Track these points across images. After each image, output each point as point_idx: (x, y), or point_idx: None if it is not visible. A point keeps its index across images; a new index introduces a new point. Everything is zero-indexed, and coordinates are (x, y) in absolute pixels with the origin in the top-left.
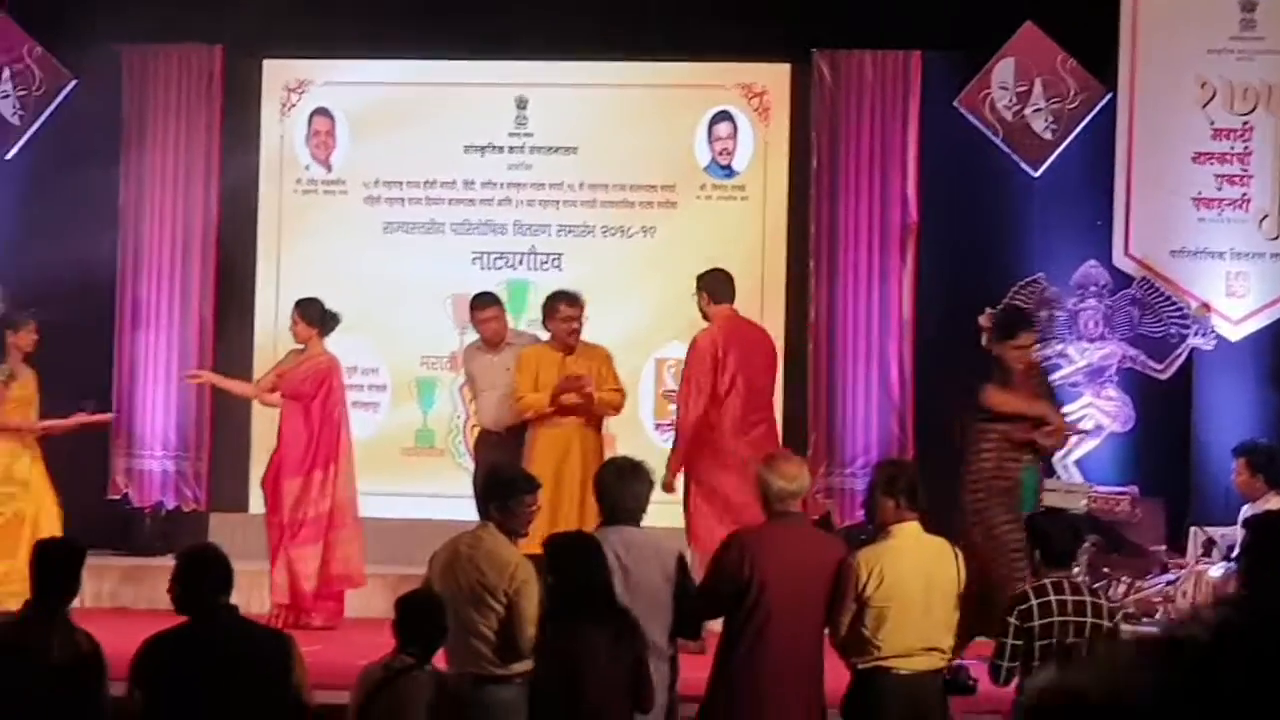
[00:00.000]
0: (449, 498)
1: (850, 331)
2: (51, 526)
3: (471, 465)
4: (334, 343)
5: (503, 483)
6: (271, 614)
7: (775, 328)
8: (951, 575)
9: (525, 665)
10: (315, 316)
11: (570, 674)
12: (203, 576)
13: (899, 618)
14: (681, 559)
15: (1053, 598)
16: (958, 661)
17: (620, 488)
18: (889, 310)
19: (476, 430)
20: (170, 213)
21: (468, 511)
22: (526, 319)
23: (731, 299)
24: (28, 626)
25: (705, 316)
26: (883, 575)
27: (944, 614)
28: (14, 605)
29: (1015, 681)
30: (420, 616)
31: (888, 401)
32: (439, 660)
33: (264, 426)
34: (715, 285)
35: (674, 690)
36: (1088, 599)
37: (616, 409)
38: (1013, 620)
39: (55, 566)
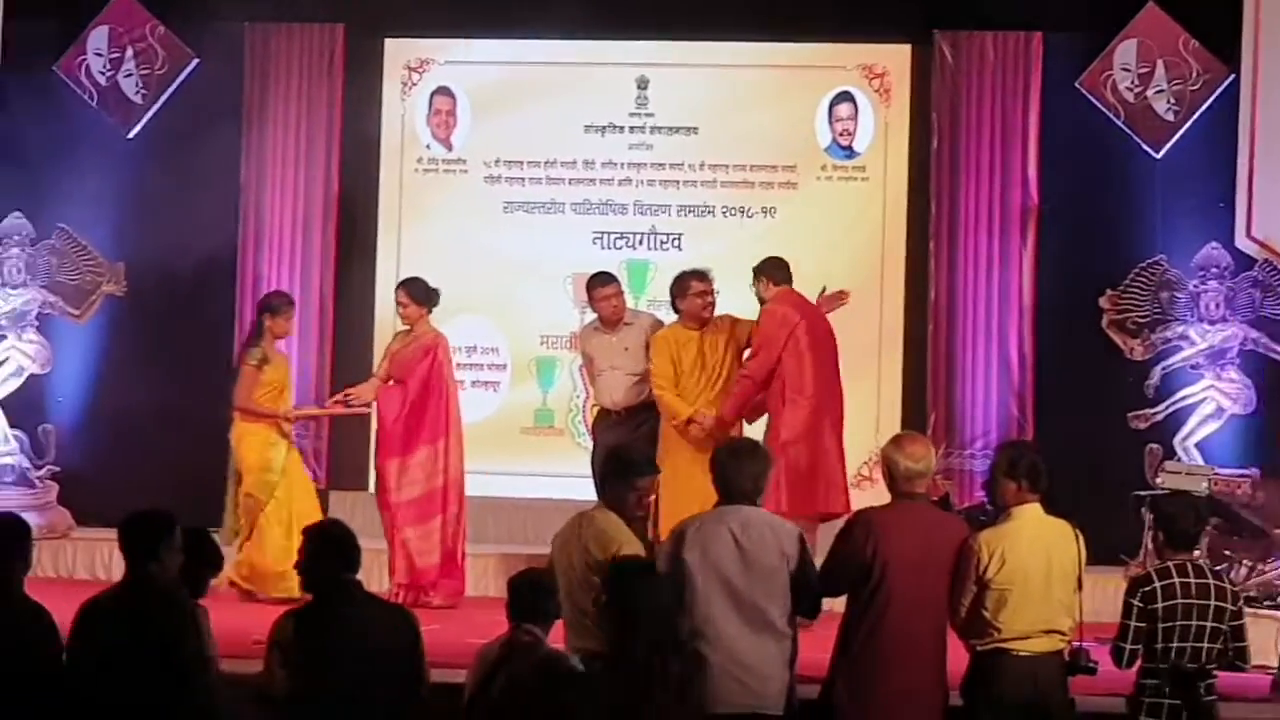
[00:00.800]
0: (568, 477)
1: (970, 313)
2: (311, 513)
3: (590, 445)
4: (454, 322)
5: (620, 465)
6: (391, 593)
7: (895, 308)
8: (1072, 556)
9: None
10: (421, 295)
11: None
12: (329, 553)
13: (1019, 600)
14: (800, 538)
15: (1176, 580)
16: (1078, 643)
17: (736, 468)
18: (1009, 291)
19: (595, 410)
20: (291, 191)
21: (586, 491)
22: (646, 299)
23: (790, 282)
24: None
25: (764, 301)
26: (1004, 557)
27: (1064, 596)
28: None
29: (1137, 664)
30: (532, 595)
31: (1007, 383)
32: (557, 639)
33: None
34: (775, 269)
35: (793, 669)
36: (1211, 582)
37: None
38: (1135, 602)
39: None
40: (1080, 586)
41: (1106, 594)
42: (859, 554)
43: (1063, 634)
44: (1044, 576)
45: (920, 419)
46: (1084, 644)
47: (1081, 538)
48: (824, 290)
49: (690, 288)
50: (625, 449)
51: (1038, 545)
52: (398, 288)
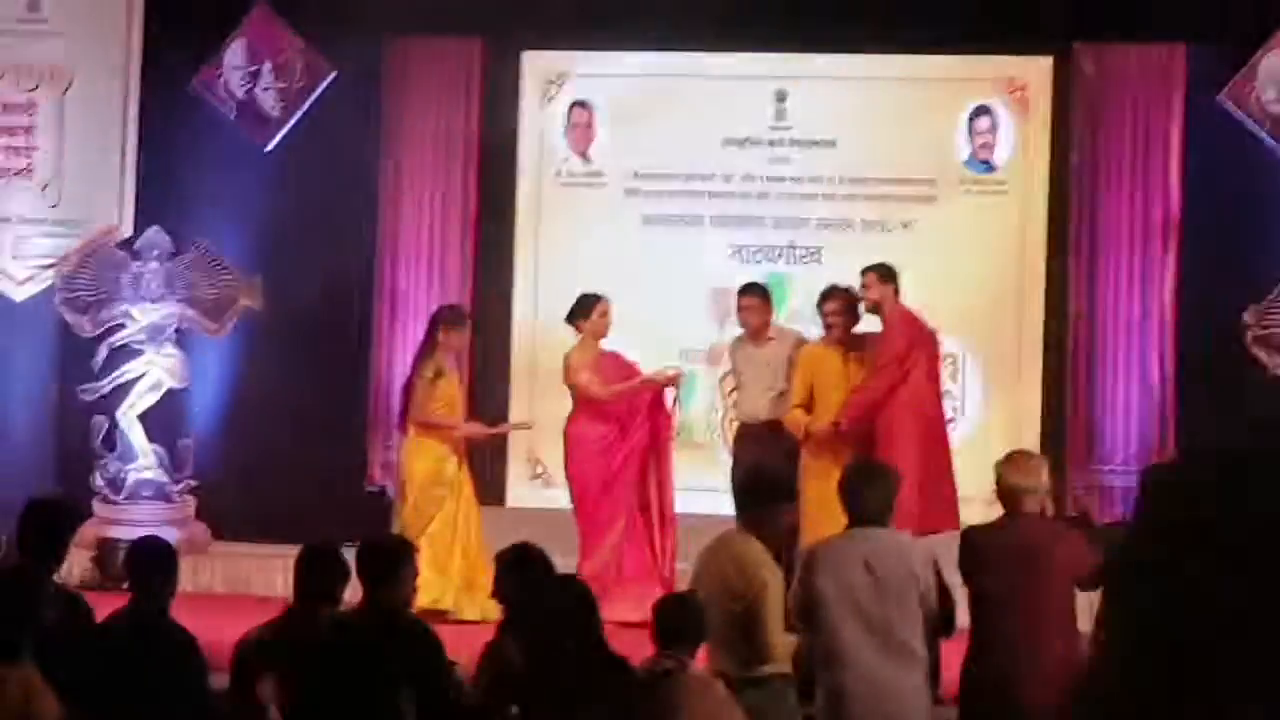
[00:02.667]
0: (710, 491)
1: (1111, 328)
2: (476, 530)
3: (730, 460)
4: None
5: (761, 488)
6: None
7: (1034, 322)
8: None
9: (776, 668)
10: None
11: None
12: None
13: None
14: (930, 557)
15: None
16: None
17: (864, 490)
18: (1150, 307)
19: (735, 424)
20: (429, 204)
21: (727, 505)
22: (786, 313)
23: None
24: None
25: (874, 309)
26: None
27: None
28: (472, 615)
29: None
30: (674, 619)
31: (1148, 399)
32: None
33: (520, 417)
34: (890, 272)
35: (934, 691)
36: None
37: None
38: None
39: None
40: None
41: None
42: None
43: None
44: None
45: (1060, 434)
46: None
47: None
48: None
49: (822, 309)
50: (766, 471)
51: None
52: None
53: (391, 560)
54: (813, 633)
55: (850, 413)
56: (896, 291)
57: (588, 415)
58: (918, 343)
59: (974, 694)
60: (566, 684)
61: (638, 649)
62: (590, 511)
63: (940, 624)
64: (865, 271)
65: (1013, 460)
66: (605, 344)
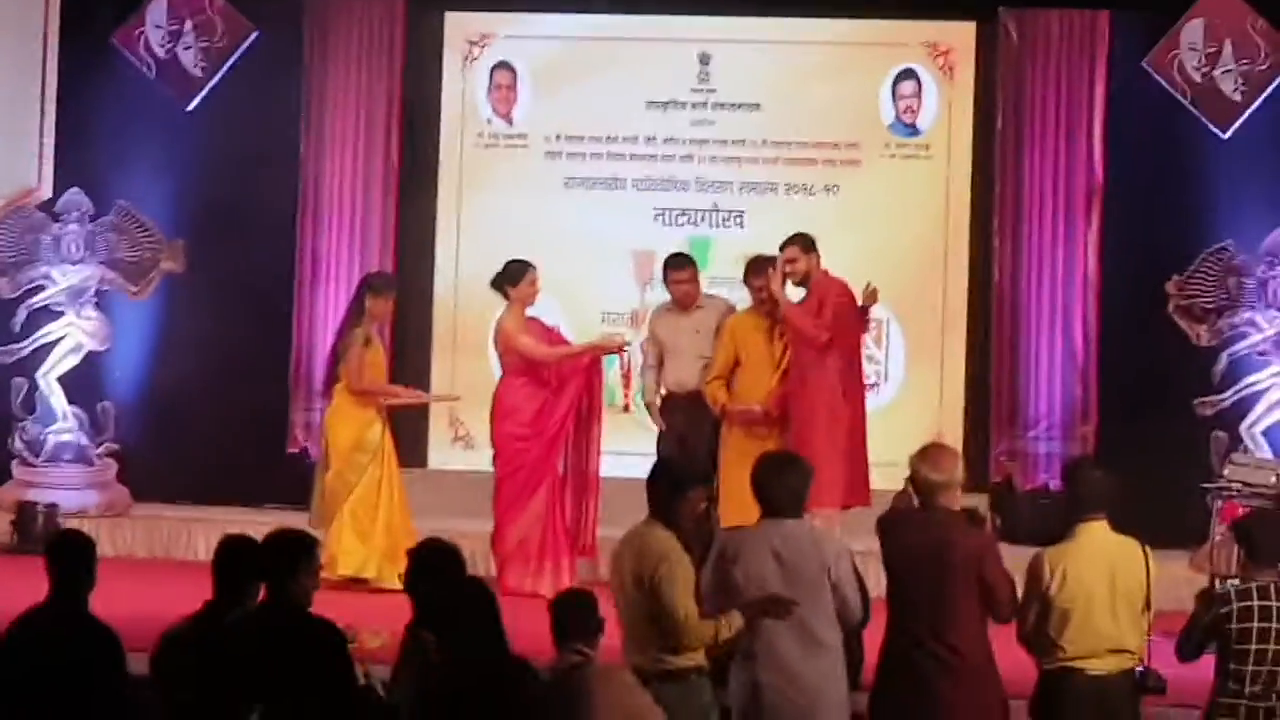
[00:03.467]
0: (632, 455)
1: (1034, 294)
2: (399, 495)
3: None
4: None
5: (667, 479)
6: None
7: (959, 288)
8: (1139, 576)
9: (690, 660)
10: None
11: None
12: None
13: (1082, 618)
14: (843, 549)
15: (1256, 602)
16: (1145, 665)
17: (776, 481)
18: (1074, 272)
19: (662, 393)
20: (351, 165)
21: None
22: (708, 276)
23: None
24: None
25: (802, 281)
26: (1065, 575)
27: (1130, 615)
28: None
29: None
30: (570, 615)
31: (1072, 365)
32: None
33: (442, 381)
34: (811, 242)
35: (852, 682)
36: None
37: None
38: (1205, 620)
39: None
40: (1149, 606)
41: (1174, 580)
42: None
43: (1131, 653)
44: (1108, 595)
45: (984, 400)
46: (1150, 667)
47: (1151, 556)
48: (869, 286)
49: (749, 279)
50: (671, 462)
51: (1101, 564)
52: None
53: (293, 555)
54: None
55: (780, 403)
56: (819, 260)
57: (521, 381)
58: (846, 316)
59: (886, 688)
60: (474, 689)
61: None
62: (517, 480)
63: (857, 614)
64: (786, 244)
65: (927, 454)
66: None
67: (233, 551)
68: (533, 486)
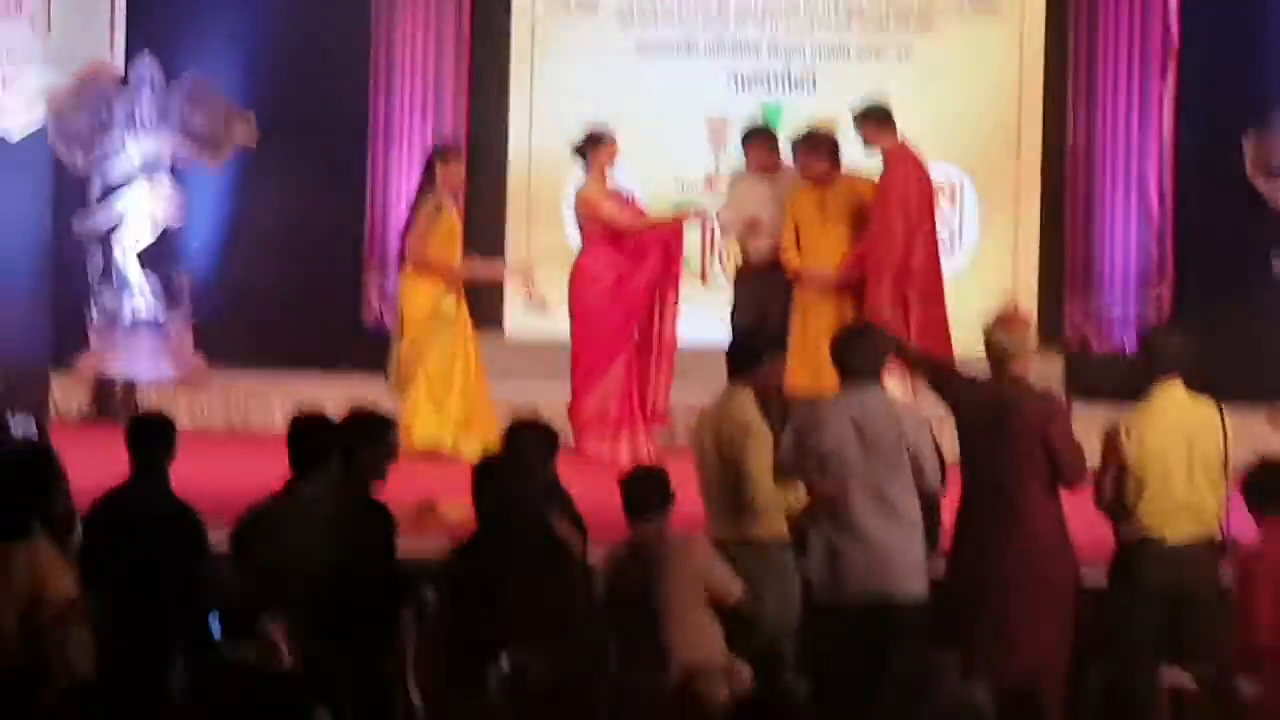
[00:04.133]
0: (707, 321)
1: (1109, 154)
2: (476, 364)
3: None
4: None
5: (750, 349)
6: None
7: (1033, 150)
8: (1216, 441)
9: (769, 530)
10: None
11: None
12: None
13: (1159, 484)
14: (921, 419)
15: None
16: (1226, 533)
17: (854, 349)
18: (1148, 132)
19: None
20: (421, 33)
21: (724, 335)
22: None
23: (896, 130)
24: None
25: (871, 147)
26: (1142, 438)
27: (1210, 480)
28: (472, 448)
29: None
30: (639, 491)
31: (1147, 225)
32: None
33: (516, 248)
34: (886, 114)
35: (931, 545)
36: None
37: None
38: None
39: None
40: (1227, 470)
41: (1254, 436)
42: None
43: (1209, 516)
44: (1185, 460)
45: (1059, 263)
46: (1229, 534)
47: (1228, 420)
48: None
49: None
50: (750, 334)
51: (1177, 428)
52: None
53: (368, 435)
54: (805, 489)
55: (851, 267)
56: (894, 130)
57: (603, 250)
58: (923, 199)
59: (959, 556)
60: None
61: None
62: (594, 348)
63: (934, 483)
64: (862, 121)
65: (1001, 320)
66: None
67: (307, 428)
68: (610, 355)
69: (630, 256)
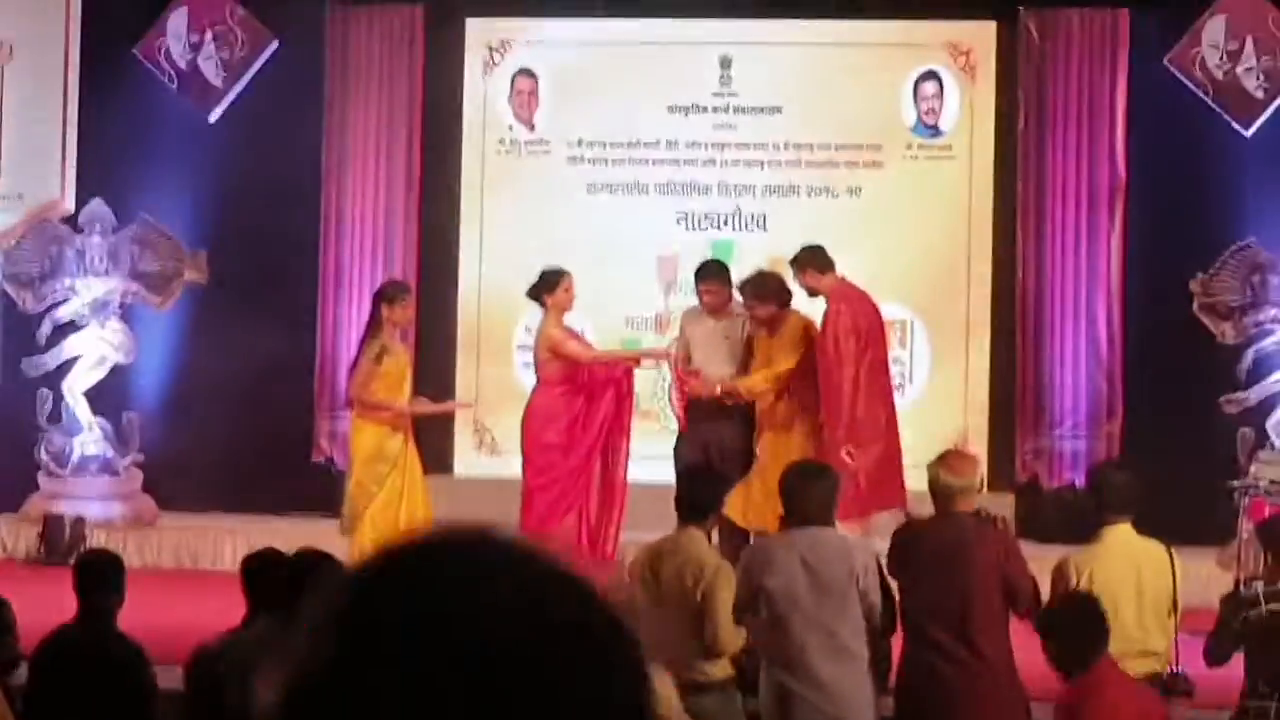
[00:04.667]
0: (655, 459)
1: (1059, 292)
2: (422, 506)
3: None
4: (537, 305)
5: (710, 488)
6: None
7: (982, 288)
8: (1166, 578)
9: (725, 670)
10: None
11: None
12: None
13: (1110, 622)
14: (871, 556)
15: None
16: (1174, 669)
17: (803, 490)
18: (1097, 271)
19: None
20: (373, 174)
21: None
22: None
23: (834, 267)
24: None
25: (813, 292)
26: (1091, 578)
27: (1157, 618)
28: None
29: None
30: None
31: (1096, 363)
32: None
33: (466, 387)
34: (817, 258)
35: (879, 688)
36: None
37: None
38: (1235, 625)
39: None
40: (1176, 609)
41: (1201, 578)
42: (890, 571)
43: (1158, 656)
44: (1134, 598)
45: (1009, 400)
46: (1179, 669)
47: (1177, 559)
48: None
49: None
50: (710, 470)
51: (1127, 567)
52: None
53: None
54: (755, 630)
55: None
56: (832, 271)
57: (560, 390)
58: (871, 329)
59: (909, 695)
60: None
61: None
62: (552, 492)
63: (884, 622)
64: (799, 270)
65: (946, 459)
66: (537, 312)
67: (261, 566)
68: (569, 500)
69: (585, 396)
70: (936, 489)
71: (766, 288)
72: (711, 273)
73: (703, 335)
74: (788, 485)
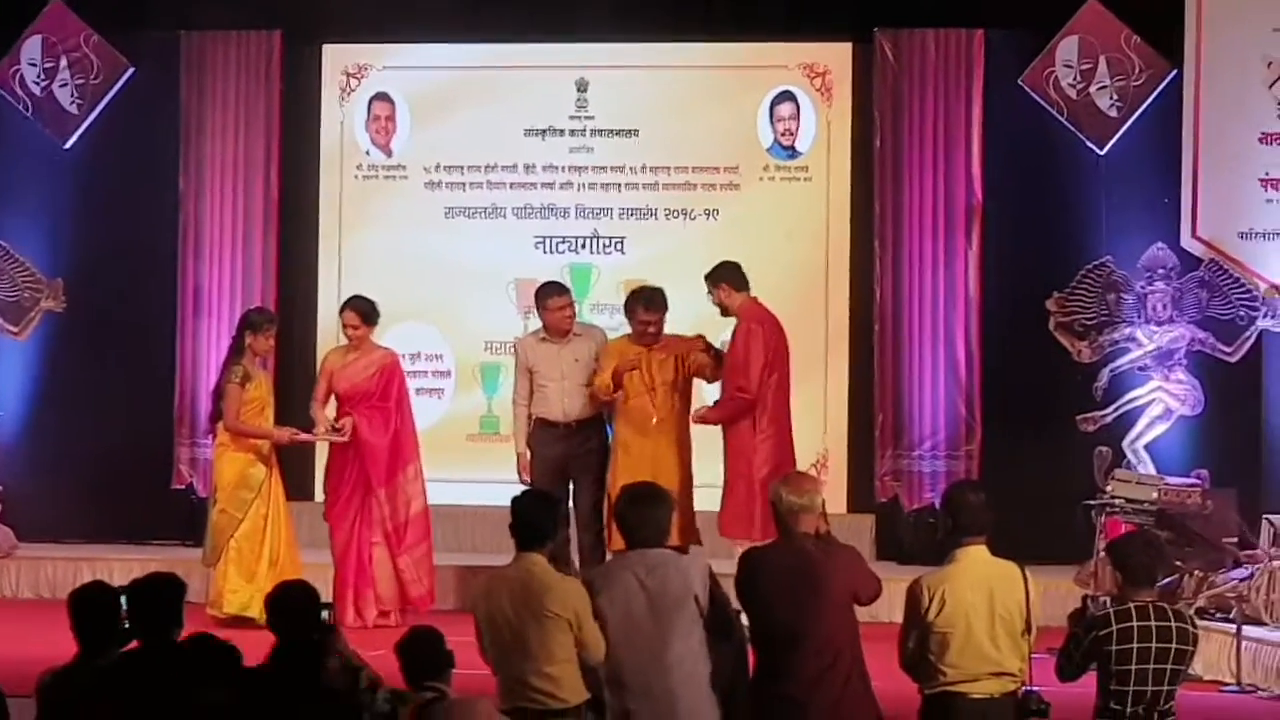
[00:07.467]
0: (515, 484)
1: (916, 312)
2: (286, 532)
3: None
4: (397, 329)
5: (552, 514)
6: (373, 620)
7: (840, 309)
8: (1018, 599)
9: (574, 696)
10: (370, 314)
11: None
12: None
13: (962, 642)
14: (706, 572)
15: (1135, 624)
16: (1028, 687)
17: (637, 515)
18: (955, 291)
19: (533, 420)
20: (230, 200)
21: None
22: (590, 303)
23: (749, 286)
24: None
25: (726, 310)
26: (945, 599)
27: (1010, 638)
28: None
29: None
30: (421, 654)
31: (954, 383)
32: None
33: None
34: (734, 275)
35: (724, 701)
36: (1173, 624)
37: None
38: (1086, 643)
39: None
40: (1030, 629)
41: (1059, 596)
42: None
43: (1013, 676)
44: (988, 619)
45: (867, 420)
46: (1034, 688)
47: (1030, 579)
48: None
49: (635, 315)
50: (550, 495)
51: (980, 588)
52: (346, 309)
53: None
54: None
55: (720, 413)
56: (746, 290)
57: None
58: (779, 348)
59: (762, 707)
60: None
61: None
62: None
63: (729, 635)
64: (714, 285)
65: (789, 481)
66: (394, 337)
67: (88, 603)
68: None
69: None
70: (779, 508)
71: (658, 303)
72: (556, 290)
73: (550, 361)
74: (623, 509)
